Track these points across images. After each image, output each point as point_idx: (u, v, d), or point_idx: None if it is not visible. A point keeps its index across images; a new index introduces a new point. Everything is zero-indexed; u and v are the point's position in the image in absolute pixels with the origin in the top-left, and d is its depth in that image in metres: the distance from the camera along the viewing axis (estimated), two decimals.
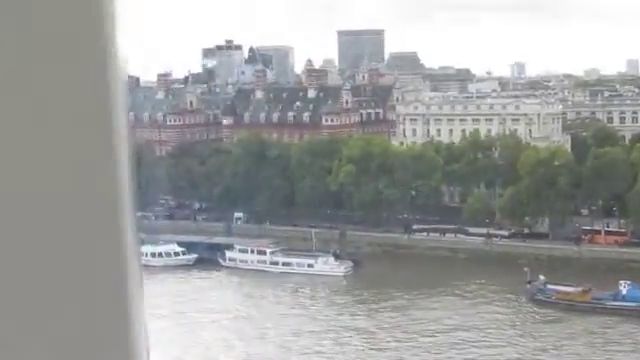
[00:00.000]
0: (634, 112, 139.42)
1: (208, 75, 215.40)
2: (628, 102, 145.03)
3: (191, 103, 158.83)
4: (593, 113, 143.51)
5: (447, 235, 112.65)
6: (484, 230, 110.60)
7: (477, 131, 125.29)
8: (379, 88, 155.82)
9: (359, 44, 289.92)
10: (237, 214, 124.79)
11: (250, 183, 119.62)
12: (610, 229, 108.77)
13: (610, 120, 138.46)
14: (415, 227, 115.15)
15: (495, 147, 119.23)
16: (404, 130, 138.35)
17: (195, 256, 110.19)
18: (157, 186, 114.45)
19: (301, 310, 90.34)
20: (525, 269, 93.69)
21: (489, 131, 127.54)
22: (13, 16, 1.40)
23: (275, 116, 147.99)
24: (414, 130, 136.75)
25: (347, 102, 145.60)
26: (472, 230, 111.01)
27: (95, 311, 1.46)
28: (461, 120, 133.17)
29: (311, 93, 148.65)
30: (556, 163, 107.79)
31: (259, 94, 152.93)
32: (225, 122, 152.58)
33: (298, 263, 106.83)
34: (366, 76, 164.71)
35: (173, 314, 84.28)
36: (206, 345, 78.38)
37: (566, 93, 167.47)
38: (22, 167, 1.41)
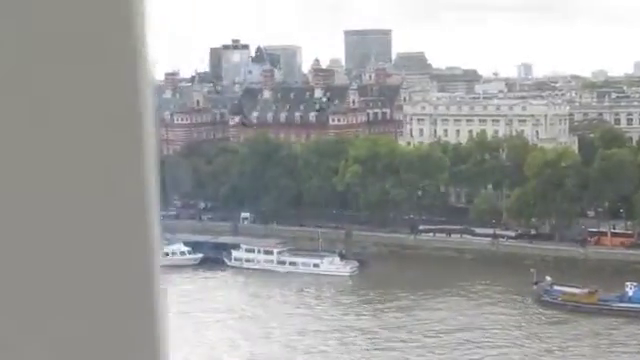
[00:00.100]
0: None
1: (215, 74, 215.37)
2: (635, 103, 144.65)
3: (198, 102, 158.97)
4: (600, 114, 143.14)
5: (453, 236, 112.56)
6: (490, 231, 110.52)
7: (484, 132, 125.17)
8: (386, 88, 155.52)
9: (366, 44, 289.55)
10: (244, 214, 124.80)
11: (257, 183, 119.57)
12: (616, 231, 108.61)
13: (617, 122, 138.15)
14: (421, 227, 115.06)
15: (502, 148, 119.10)
16: (411, 130, 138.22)
17: (201, 256, 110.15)
18: (164, 185, 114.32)
19: (306, 310, 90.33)
20: (531, 270, 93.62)
21: (496, 132, 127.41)
22: (44, 16, 1.40)
23: (282, 116, 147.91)
24: (421, 130, 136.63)
25: (354, 102, 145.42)
26: (478, 231, 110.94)
27: (123, 308, 1.47)
28: (468, 121, 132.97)
29: (318, 93, 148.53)
30: (563, 164, 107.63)
31: (266, 93, 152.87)
32: (232, 121, 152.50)
33: (304, 263, 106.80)
34: (373, 76, 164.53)
35: (177, 314, 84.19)
36: (210, 345, 78.35)
37: (573, 94, 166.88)
38: (55, 167, 1.43)
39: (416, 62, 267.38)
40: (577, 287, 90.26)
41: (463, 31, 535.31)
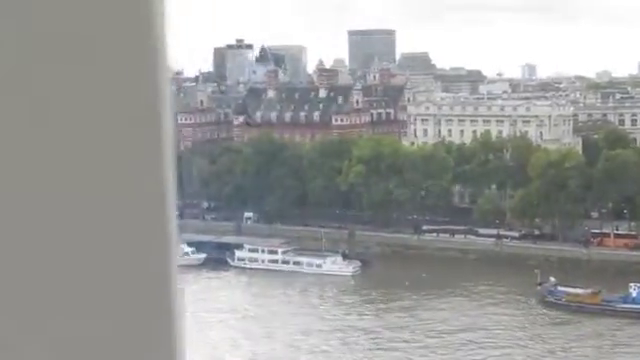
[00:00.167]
0: None
1: (219, 74, 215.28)
2: None
3: (202, 102, 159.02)
4: (604, 115, 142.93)
5: (457, 236, 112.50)
6: (494, 231, 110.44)
7: (488, 132, 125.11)
8: (390, 88, 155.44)
9: (370, 44, 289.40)
10: (247, 214, 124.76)
11: (260, 182, 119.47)
12: (620, 232, 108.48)
13: (621, 122, 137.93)
14: (425, 228, 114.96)
15: (506, 148, 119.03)
16: (415, 130, 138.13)
17: (204, 255, 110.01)
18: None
19: (309, 309, 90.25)
20: (535, 271, 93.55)
21: (500, 132, 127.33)
22: (65, 16, 1.41)
23: (287, 116, 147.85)
24: (425, 130, 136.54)
25: (358, 102, 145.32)
26: (482, 231, 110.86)
27: (141, 307, 1.47)
28: (472, 121, 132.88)
29: (322, 93, 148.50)
30: (567, 165, 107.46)
31: (271, 93, 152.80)
32: (236, 121, 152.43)
33: (307, 263, 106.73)
34: (377, 76, 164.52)
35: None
36: (213, 345, 78.26)
37: (577, 95, 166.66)
38: (76, 166, 1.43)
39: (420, 62, 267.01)
40: (581, 288, 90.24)
41: (467, 31, 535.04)
